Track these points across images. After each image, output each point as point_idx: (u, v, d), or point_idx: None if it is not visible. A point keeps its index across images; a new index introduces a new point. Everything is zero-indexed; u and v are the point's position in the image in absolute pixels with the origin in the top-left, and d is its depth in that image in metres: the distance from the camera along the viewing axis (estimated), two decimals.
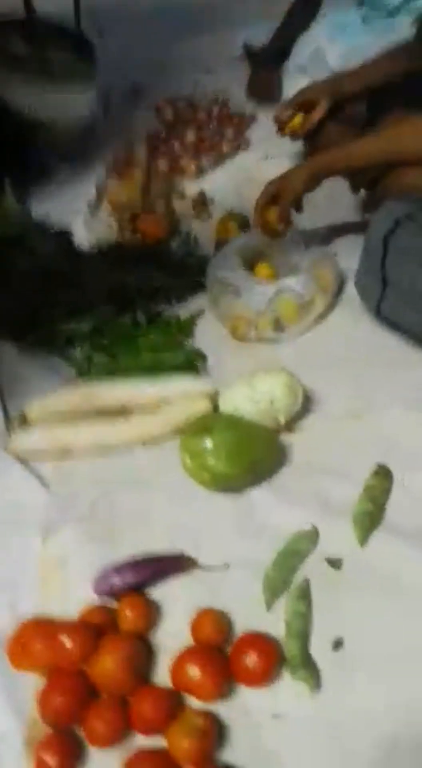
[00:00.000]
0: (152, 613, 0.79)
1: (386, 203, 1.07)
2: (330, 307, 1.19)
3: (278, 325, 1.14)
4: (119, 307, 1.17)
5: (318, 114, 1.30)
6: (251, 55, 2.01)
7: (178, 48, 2.25)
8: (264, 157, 1.65)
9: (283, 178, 1.16)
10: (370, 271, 1.06)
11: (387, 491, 0.89)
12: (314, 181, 1.14)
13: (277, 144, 1.68)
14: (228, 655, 0.74)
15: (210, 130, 1.75)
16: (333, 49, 1.80)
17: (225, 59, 2.02)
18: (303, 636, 0.76)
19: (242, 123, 1.79)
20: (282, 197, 1.14)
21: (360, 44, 1.72)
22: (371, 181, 1.24)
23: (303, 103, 1.33)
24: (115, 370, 1.07)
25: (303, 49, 1.86)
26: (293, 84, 1.81)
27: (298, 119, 1.35)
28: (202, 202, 1.51)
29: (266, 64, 1.88)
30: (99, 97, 1.75)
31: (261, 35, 1.99)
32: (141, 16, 2.52)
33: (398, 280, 1.00)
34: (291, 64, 1.88)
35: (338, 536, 0.85)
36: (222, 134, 1.73)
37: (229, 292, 1.17)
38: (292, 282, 1.15)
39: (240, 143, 1.72)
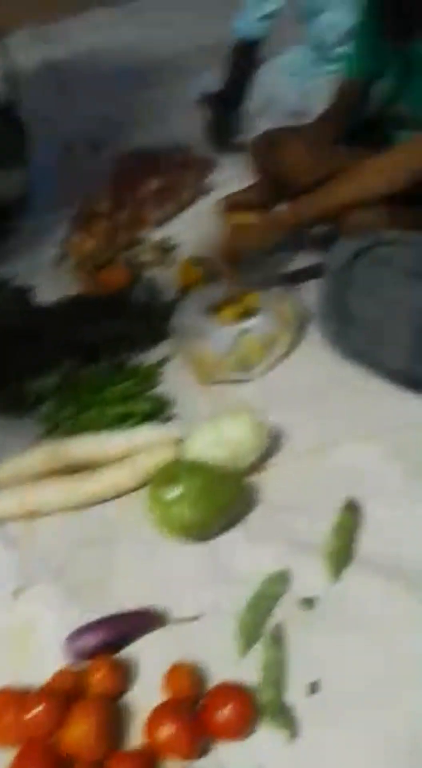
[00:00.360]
0: (124, 673, 0.77)
1: (340, 241, 1.10)
2: (295, 343, 1.20)
3: (243, 365, 1.15)
4: (83, 359, 1.19)
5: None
6: (208, 101, 2.06)
7: (138, 101, 2.33)
8: None
9: (242, 235, 1.17)
10: (329, 307, 1.08)
11: (356, 525, 0.89)
12: (279, 235, 1.18)
13: (239, 188, 1.73)
14: (203, 709, 0.73)
15: (171, 178, 1.79)
16: (290, 91, 1.85)
17: (184, 108, 2.09)
18: (278, 682, 0.75)
19: (203, 169, 1.84)
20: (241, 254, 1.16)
21: (316, 85, 1.78)
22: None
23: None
24: (83, 424, 1.08)
25: (260, 91, 1.92)
26: (254, 126, 1.87)
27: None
28: (164, 249, 1.54)
29: (220, 108, 1.92)
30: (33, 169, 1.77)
31: (217, 82, 2.05)
32: (102, 74, 2.61)
33: (355, 314, 1.02)
34: (250, 107, 1.93)
35: (310, 575, 0.85)
36: (184, 181, 1.77)
37: (193, 336, 1.19)
38: (254, 322, 1.17)
39: (201, 189, 1.76)
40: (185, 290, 1.35)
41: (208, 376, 1.16)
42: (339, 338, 1.07)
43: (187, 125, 2.04)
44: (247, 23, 1.84)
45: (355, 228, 1.12)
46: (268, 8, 1.80)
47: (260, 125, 1.80)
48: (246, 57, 1.87)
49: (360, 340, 1.04)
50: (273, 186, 1.40)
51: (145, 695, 0.76)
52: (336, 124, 1.41)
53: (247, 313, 1.20)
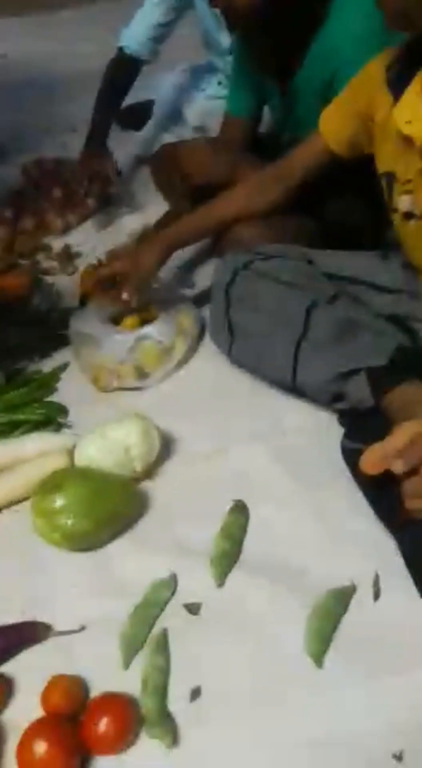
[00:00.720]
0: (1, 690, 0.74)
1: (226, 257, 1.12)
2: (192, 351, 1.21)
3: (140, 373, 1.15)
4: None
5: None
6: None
7: (46, 111, 2.30)
8: (130, 211, 1.70)
9: (134, 258, 1.18)
10: (218, 319, 1.09)
11: (243, 527, 0.90)
12: (167, 255, 1.18)
13: (142, 199, 1.74)
14: (81, 724, 0.70)
15: (75, 188, 1.77)
16: (191, 109, 1.89)
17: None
18: (160, 690, 0.74)
19: (108, 180, 1.83)
20: (134, 276, 1.15)
21: (216, 106, 1.81)
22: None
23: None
24: None
25: (162, 109, 1.95)
26: (159, 141, 1.88)
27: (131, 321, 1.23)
28: (67, 257, 1.52)
29: (93, 147, 1.72)
30: None
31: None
32: (8, 81, 2.56)
33: (239, 327, 1.04)
34: (152, 123, 1.96)
35: (196, 580, 0.84)
36: (89, 190, 1.76)
37: (90, 344, 1.17)
38: (151, 329, 1.16)
39: (106, 199, 1.75)
40: (85, 297, 1.33)
41: (105, 384, 1.14)
42: (228, 349, 1.08)
43: None
44: (137, 41, 1.70)
45: (235, 244, 1.15)
46: (159, 32, 1.69)
47: (164, 140, 1.82)
48: (128, 73, 1.75)
49: (246, 352, 1.06)
50: (174, 196, 1.41)
51: (23, 713, 0.72)
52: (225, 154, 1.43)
53: (146, 323, 1.20)
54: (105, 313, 1.21)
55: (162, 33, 1.69)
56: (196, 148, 1.52)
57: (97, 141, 1.69)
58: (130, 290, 1.14)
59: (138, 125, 2.02)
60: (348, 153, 1.03)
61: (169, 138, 1.88)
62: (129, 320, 1.22)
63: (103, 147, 1.69)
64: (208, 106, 1.83)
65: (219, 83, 1.87)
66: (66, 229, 1.64)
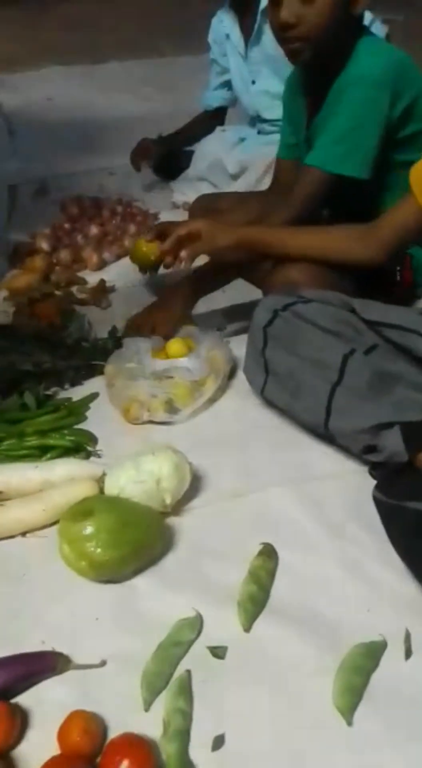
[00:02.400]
0: (17, 722, 0.71)
1: (267, 297, 1.14)
2: (222, 390, 1.22)
3: (170, 407, 1.15)
4: (7, 389, 1.14)
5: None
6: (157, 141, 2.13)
7: (86, 154, 2.39)
8: None
9: (214, 226, 1.20)
10: (253, 358, 1.10)
11: (271, 572, 0.88)
12: (234, 250, 1.19)
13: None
14: (98, 765, 0.67)
15: (113, 226, 1.83)
16: (230, 158, 1.97)
17: (130, 165, 2.15)
18: (182, 735, 0.71)
19: (145, 221, 1.89)
20: (200, 242, 1.17)
21: (254, 155, 1.90)
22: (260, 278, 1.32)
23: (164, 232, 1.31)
24: None
25: (203, 159, 2.03)
26: (193, 189, 1.96)
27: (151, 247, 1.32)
28: (101, 290, 1.54)
29: (155, 141, 2.05)
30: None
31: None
32: (53, 123, 2.68)
33: (274, 366, 1.05)
34: (190, 173, 2.03)
35: (223, 623, 0.82)
36: (125, 230, 1.81)
37: (124, 375, 1.18)
38: (185, 361, 1.18)
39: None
40: (144, 269, 1.38)
41: (135, 416, 1.14)
42: (261, 387, 1.09)
43: (134, 181, 2.11)
44: (207, 94, 2.05)
45: (279, 284, 1.17)
46: (224, 78, 2.00)
47: (201, 189, 1.90)
48: (204, 123, 2.06)
49: (279, 393, 1.06)
50: None
51: (38, 748, 0.69)
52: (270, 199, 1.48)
53: (181, 356, 1.21)
54: (145, 346, 1.22)
55: (225, 81, 2.00)
56: (227, 202, 1.57)
57: (163, 140, 2.06)
58: (191, 251, 1.17)
59: (173, 174, 2.10)
60: None
61: (206, 187, 1.95)
62: (164, 353, 1.23)
63: (162, 143, 2.05)
64: (244, 158, 1.92)
65: (259, 132, 1.96)
66: (101, 266, 1.68)
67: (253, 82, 1.90)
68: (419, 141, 1.24)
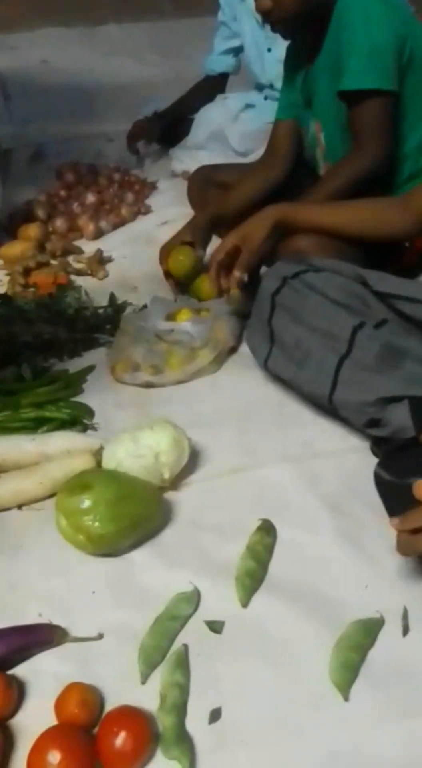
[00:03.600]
0: (14, 693, 0.71)
1: (277, 264, 1.12)
2: (219, 362, 1.20)
3: (156, 371, 1.14)
4: (4, 360, 1.12)
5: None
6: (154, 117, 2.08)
7: (83, 119, 2.32)
8: (163, 222, 1.70)
9: (243, 230, 1.16)
10: (259, 327, 1.08)
11: (269, 547, 0.87)
12: (276, 233, 1.15)
13: (176, 211, 1.74)
14: (96, 735, 0.67)
15: (110, 194, 1.78)
16: (233, 130, 1.91)
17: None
18: (179, 708, 0.71)
19: (143, 190, 1.85)
20: (243, 255, 1.15)
21: (260, 128, 1.85)
22: None
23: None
24: None
25: (203, 128, 1.97)
26: (192, 158, 1.90)
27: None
28: (98, 260, 1.51)
29: (152, 118, 2.00)
30: None
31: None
32: (50, 86, 2.60)
33: (281, 335, 1.03)
34: (189, 141, 1.98)
35: (220, 597, 0.82)
36: (123, 199, 1.77)
37: (130, 334, 1.18)
38: (187, 325, 1.17)
39: (140, 208, 1.76)
40: (179, 281, 1.35)
41: (120, 375, 1.14)
42: (265, 357, 1.07)
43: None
44: (212, 58, 1.97)
45: (291, 252, 1.14)
46: (231, 44, 1.93)
47: (200, 158, 1.85)
48: (205, 89, 1.99)
49: (284, 363, 1.04)
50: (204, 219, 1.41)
51: (35, 718, 0.69)
52: (269, 167, 1.46)
53: None
54: (163, 309, 1.22)
55: (235, 46, 1.94)
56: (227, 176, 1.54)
57: (159, 116, 2.00)
58: (241, 267, 1.14)
59: (172, 142, 2.05)
60: None
61: (205, 156, 1.89)
62: (180, 316, 1.23)
63: (159, 119, 1.99)
64: (248, 130, 1.86)
65: (266, 98, 1.90)
66: (98, 235, 1.64)
67: (269, 50, 1.83)
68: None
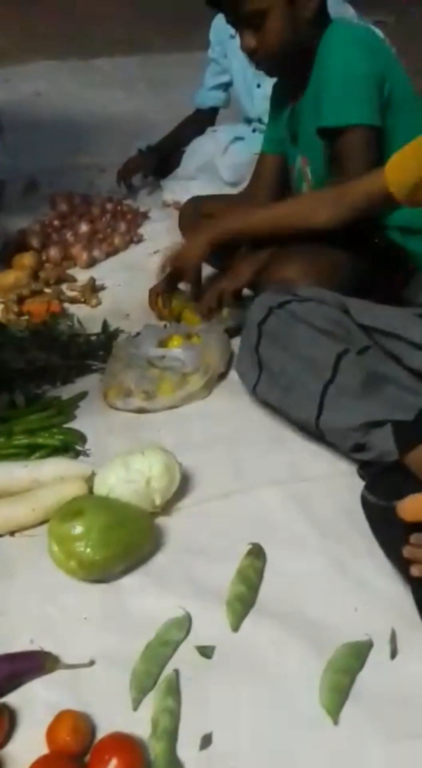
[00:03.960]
0: (5, 721, 0.71)
1: (263, 294, 1.15)
2: (208, 388, 1.22)
3: (148, 396, 1.16)
4: None
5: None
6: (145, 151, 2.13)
7: (76, 150, 2.38)
8: (155, 251, 1.74)
9: (180, 252, 1.24)
10: (247, 354, 1.11)
11: (260, 571, 0.88)
12: (213, 248, 1.23)
13: (168, 240, 1.78)
14: (87, 764, 0.67)
15: (103, 224, 1.82)
16: (223, 161, 1.96)
17: (121, 162, 2.15)
18: (170, 735, 0.71)
19: (135, 219, 1.88)
20: (184, 275, 1.22)
21: (249, 160, 1.89)
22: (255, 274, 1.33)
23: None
24: None
25: (194, 159, 2.02)
26: (183, 189, 1.95)
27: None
28: (91, 288, 1.54)
29: (145, 152, 2.05)
30: None
31: (153, 143, 2.15)
32: (43, 118, 2.66)
33: (268, 362, 1.06)
34: (180, 172, 2.03)
35: (211, 622, 0.82)
36: (115, 228, 1.80)
37: (122, 360, 1.21)
38: (178, 352, 1.20)
39: (132, 237, 1.79)
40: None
41: (112, 400, 1.16)
42: (254, 384, 1.09)
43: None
44: (202, 92, 2.04)
45: (275, 282, 1.18)
46: (221, 80, 2.00)
47: (191, 189, 1.90)
48: (196, 123, 2.05)
49: (271, 389, 1.07)
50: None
51: (27, 747, 0.69)
52: (254, 198, 1.50)
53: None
54: (155, 335, 1.26)
55: (225, 81, 2.01)
56: (215, 207, 1.59)
57: (152, 150, 2.05)
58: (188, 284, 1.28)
59: (163, 173, 2.10)
60: (407, 200, 1.05)
61: (196, 186, 1.94)
62: (171, 342, 1.26)
63: (153, 153, 2.04)
64: (239, 161, 1.91)
65: (254, 131, 1.96)
66: (91, 263, 1.67)
67: (258, 86, 1.89)
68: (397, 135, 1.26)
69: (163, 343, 1.26)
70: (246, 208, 1.31)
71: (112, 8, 4.18)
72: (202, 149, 2.02)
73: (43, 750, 0.69)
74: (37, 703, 0.74)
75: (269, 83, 1.86)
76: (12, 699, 0.74)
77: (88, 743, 0.70)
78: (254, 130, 1.98)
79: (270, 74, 1.36)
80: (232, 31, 1.85)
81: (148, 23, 3.99)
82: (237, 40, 1.82)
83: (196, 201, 1.68)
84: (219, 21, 1.92)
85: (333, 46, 1.23)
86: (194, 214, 1.63)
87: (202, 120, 2.08)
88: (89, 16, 4.09)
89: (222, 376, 1.25)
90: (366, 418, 0.93)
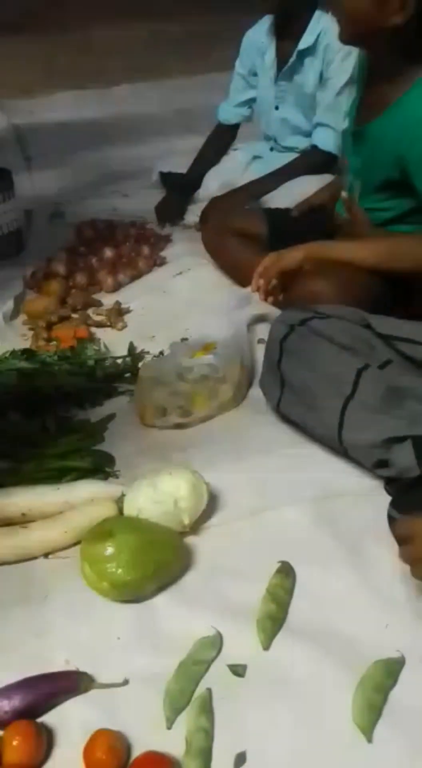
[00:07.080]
0: (42, 741, 0.72)
1: (284, 312, 1.17)
2: (235, 401, 1.24)
3: (184, 412, 1.19)
4: (28, 412, 1.17)
5: None
6: (166, 181, 2.20)
7: (100, 176, 2.44)
8: (178, 272, 1.77)
9: (278, 254, 1.26)
10: (270, 371, 1.13)
11: (289, 590, 0.89)
12: (307, 262, 1.24)
13: (190, 261, 1.81)
14: None
15: (127, 248, 1.86)
16: (244, 181, 2.00)
17: (143, 186, 2.20)
18: (204, 753, 0.72)
19: (158, 242, 1.92)
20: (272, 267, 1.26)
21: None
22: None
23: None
24: (18, 478, 1.05)
25: (215, 180, 2.06)
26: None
27: None
28: (117, 312, 1.57)
29: (176, 191, 2.05)
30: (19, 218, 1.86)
31: (174, 167, 2.20)
32: (67, 147, 2.74)
33: (290, 379, 1.07)
34: (202, 194, 2.07)
35: (242, 641, 0.83)
36: (139, 252, 1.84)
37: (151, 379, 1.22)
38: (210, 357, 1.23)
39: (155, 260, 1.83)
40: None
41: (151, 420, 1.19)
42: (277, 401, 1.11)
43: (146, 202, 2.15)
44: (226, 109, 2.07)
45: (300, 298, 1.19)
46: (247, 95, 2.02)
47: None
48: (219, 140, 2.09)
49: (294, 405, 1.08)
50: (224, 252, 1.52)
51: (65, 765, 0.71)
52: None
53: None
54: (181, 352, 1.29)
55: (249, 98, 2.03)
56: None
57: (182, 187, 2.08)
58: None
59: (185, 194, 2.14)
60: None
61: None
62: (198, 355, 1.28)
63: (186, 187, 2.07)
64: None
65: (272, 149, 1.99)
66: (117, 287, 1.71)
67: (277, 108, 1.92)
68: None
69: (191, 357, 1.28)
70: (353, 241, 1.29)
71: (128, 37, 4.30)
72: (222, 169, 2.07)
73: None
74: (73, 722, 0.75)
75: (288, 107, 1.91)
76: (49, 718, 0.76)
77: (124, 762, 0.71)
78: (272, 149, 2.01)
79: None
80: (264, 48, 1.90)
81: (164, 48, 4.09)
82: (267, 57, 1.88)
83: (219, 218, 1.72)
84: (253, 35, 1.95)
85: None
86: (220, 231, 1.68)
87: (225, 136, 2.10)
88: (107, 46, 4.21)
89: (248, 389, 1.27)
90: (387, 434, 0.94)
